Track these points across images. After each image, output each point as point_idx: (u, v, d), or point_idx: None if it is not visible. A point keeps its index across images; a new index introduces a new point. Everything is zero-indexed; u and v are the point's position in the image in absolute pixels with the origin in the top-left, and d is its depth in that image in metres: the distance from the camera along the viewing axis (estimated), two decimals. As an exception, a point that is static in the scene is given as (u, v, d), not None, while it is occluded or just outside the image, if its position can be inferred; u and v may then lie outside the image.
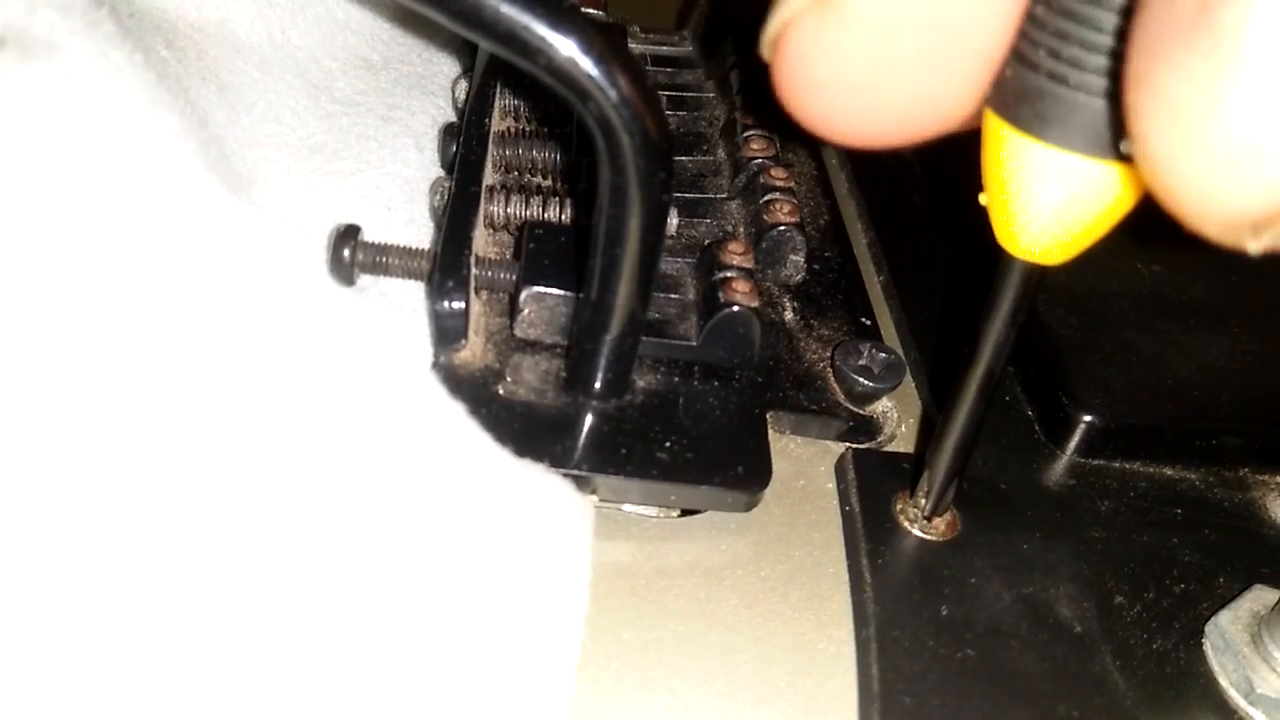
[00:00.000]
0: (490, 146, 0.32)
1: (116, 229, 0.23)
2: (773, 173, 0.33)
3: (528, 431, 0.26)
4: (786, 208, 0.32)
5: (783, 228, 0.31)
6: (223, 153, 0.29)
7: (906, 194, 0.39)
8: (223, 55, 0.32)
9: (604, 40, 0.21)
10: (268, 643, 0.21)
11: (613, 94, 0.21)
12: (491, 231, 0.31)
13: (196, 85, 0.30)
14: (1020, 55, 0.18)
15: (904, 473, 0.28)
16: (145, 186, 0.23)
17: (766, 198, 0.32)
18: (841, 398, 0.29)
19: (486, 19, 0.21)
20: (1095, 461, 0.29)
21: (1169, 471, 0.30)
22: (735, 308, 0.28)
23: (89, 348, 0.22)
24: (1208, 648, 0.25)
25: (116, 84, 0.23)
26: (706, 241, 0.31)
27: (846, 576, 0.26)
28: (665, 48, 0.41)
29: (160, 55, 0.29)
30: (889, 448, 0.29)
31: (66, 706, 0.19)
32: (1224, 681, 0.24)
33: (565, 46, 0.21)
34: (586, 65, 0.21)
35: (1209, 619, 0.25)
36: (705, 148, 0.36)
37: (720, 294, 0.28)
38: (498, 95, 0.34)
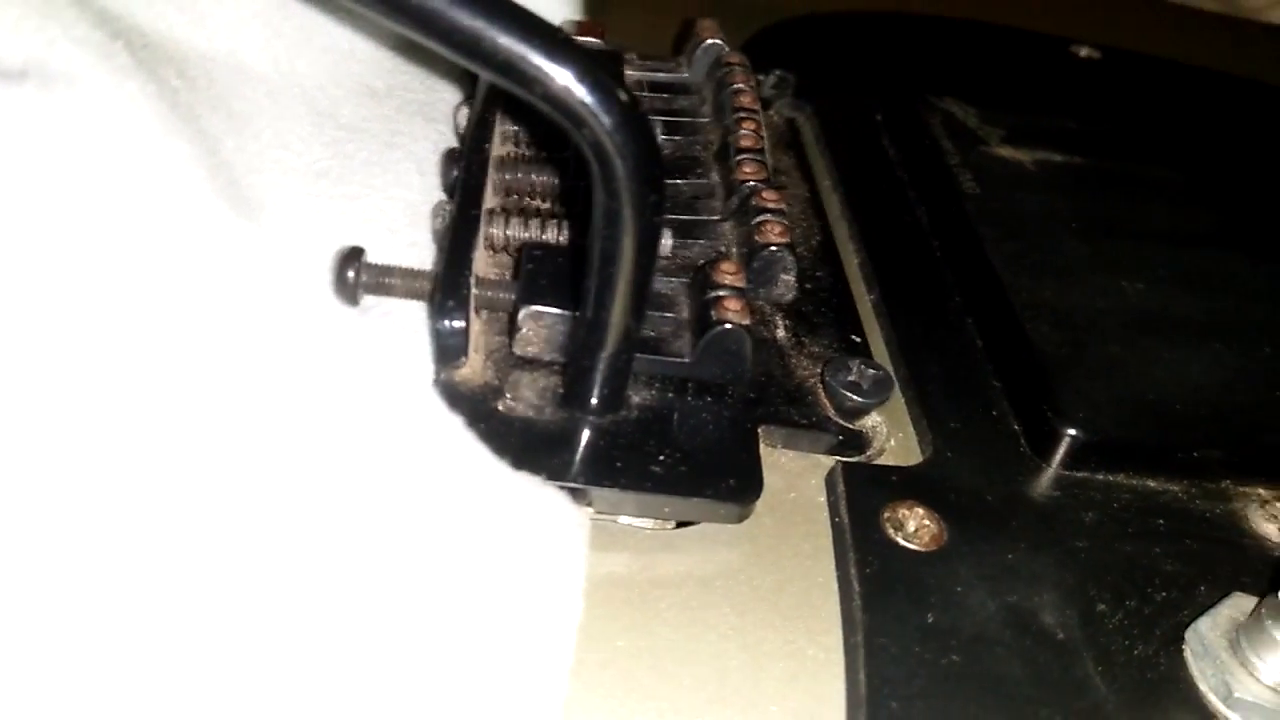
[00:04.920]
0: (490, 171, 0.33)
1: (130, 251, 0.24)
2: (764, 195, 0.34)
3: (526, 446, 0.27)
4: (777, 229, 0.33)
5: (774, 248, 0.32)
6: (231, 178, 0.30)
7: (896, 215, 0.40)
8: (232, 84, 0.33)
9: (598, 69, 0.22)
10: (265, 652, 0.21)
11: (606, 121, 0.22)
12: (491, 253, 0.32)
13: (206, 113, 0.31)
14: None
15: (893, 485, 0.28)
16: (159, 210, 0.24)
17: (758, 219, 0.33)
18: (831, 413, 0.30)
19: (485, 50, 0.22)
20: (1079, 474, 0.30)
21: (1151, 484, 0.30)
22: (727, 325, 0.29)
23: (102, 361, 0.23)
24: (1188, 653, 0.26)
25: (131, 113, 0.24)
26: (700, 261, 0.32)
27: (836, 586, 0.26)
28: (661, 74, 0.42)
29: (172, 85, 0.30)
30: (878, 461, 0.30)
31: (65, 706, 0.20)
32: (1203, 686, 0.25)
33: (560, 76, 0.22)
34: (580, 94, 0.22)
35: (1189, 626, 0.26)
36: (699, 171, 0.37)
37: (713, 312, 0.29)
38: (498, 122, 0.35)
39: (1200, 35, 0.67)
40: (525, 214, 0.32)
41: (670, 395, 0.29)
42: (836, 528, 0.28)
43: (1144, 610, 0.27)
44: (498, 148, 0.35)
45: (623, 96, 0.22)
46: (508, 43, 0.21)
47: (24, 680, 0.20)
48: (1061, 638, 0.26)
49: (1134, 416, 0.31)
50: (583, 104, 0.22)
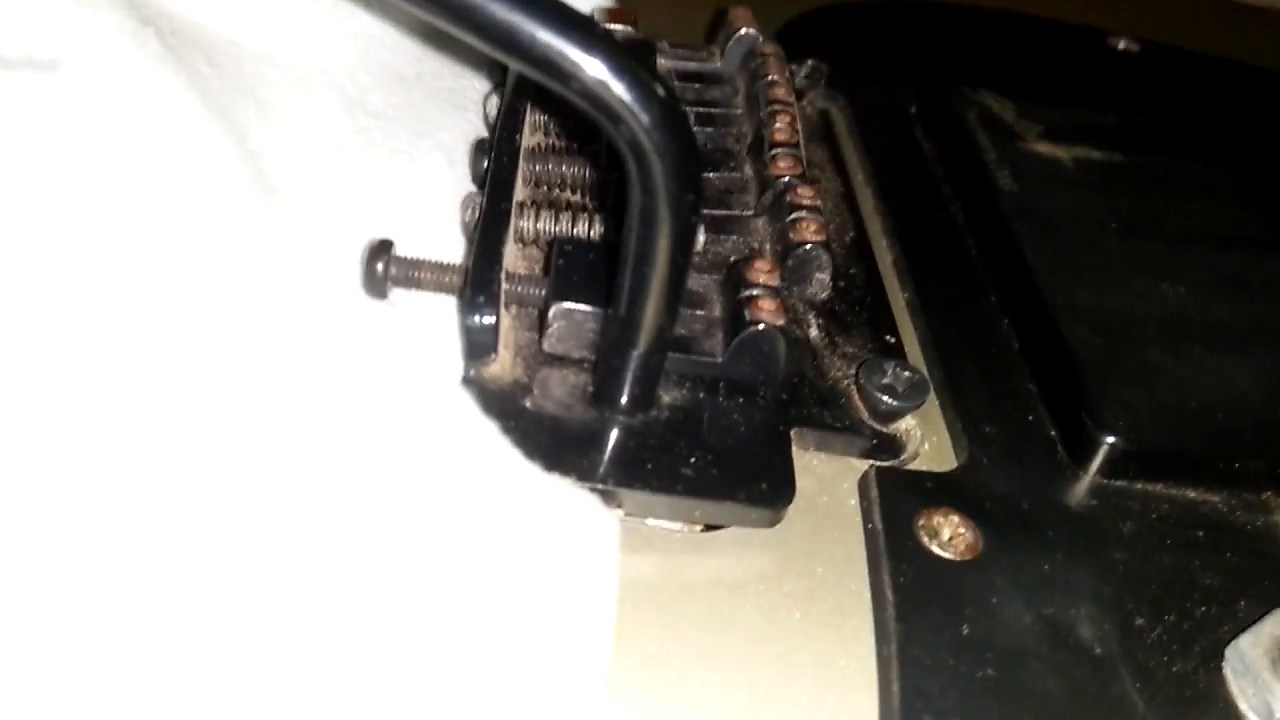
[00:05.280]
0: (520, 162, 0.33)
1: (161, 240, 0.23)
2: (799, 191, 0.33)
3: (554, 445, 0.26)
4: (813, 226, 0.32)
5: (809, 246, 0.32)
6: (260, 167, 0.29)
7: (931, 211, 0.40)
8: (260, 70, 0.33)
9: (636, 65, 0.21)
10: (288, 656, 0.21)
11: (645, 119, 0.22)
12: (521, 246, 0.32)
13: (235, 100, 0.31)
14: None
15: (927, 492, 0.28)
16: (191, 199, 0.24)
17: (793, 216, 0.32)
18: (865, 415, 0.30)
19: (522, 44, 0.21)
20: (1117, 483, 0.30)
21: (1191, 494, 0.30)
22: (761, 325, 0.28)
23: (129, 349, 0.23)
24: (1228, 671, 0.25)
25: (163, 100, 0.24)
26: (733, 258, 0.31)
27: (868, 594, 0.26)
28: (693, 63, 0.42)
29: (201, 71, 0.29)
30: (912, 466, 0.29)
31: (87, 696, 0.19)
32: (1244, 705, 0.25)
33: (598, 71, 0.21)
34: (619, 90, 0.21)
35: (1229, 642, 0.25)
36: (732, 164, 0.36)
37: (746, 311, 0.28)
38: (528, 111, 0.35)
39: (1237, 27, 0.65)
40: (556, 207, 0.32)
41: (701, 395, 0.29)
42: (869, 534, 0.27)
43: (1183, 625, 0.26)
44: (528, 138, 0.34)
45: (661, 93, 0.22)
46: (545, 37, 0.21)
47: (50, 669, 0.19)
48: (1099, 652, 0.25)
49: (1174, 424, 0.31)
50: (621, 101, 0.21)
